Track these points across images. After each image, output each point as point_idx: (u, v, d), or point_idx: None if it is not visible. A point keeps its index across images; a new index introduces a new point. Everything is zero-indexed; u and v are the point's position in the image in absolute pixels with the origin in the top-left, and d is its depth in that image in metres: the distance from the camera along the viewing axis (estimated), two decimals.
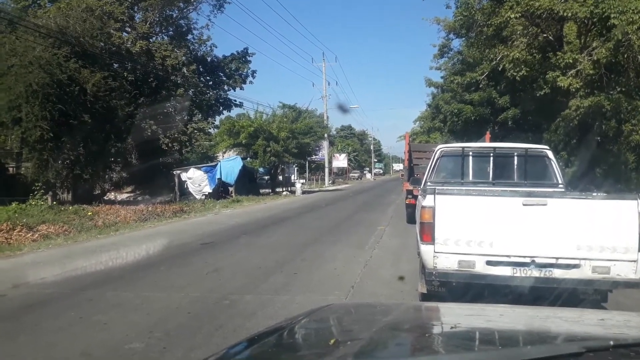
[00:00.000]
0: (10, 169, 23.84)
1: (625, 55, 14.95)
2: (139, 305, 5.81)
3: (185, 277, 7.42)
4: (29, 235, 11.31)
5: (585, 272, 4.39)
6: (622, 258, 4.32)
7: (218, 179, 25.71)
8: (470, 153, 7.44)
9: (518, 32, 16.48)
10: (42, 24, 18.49)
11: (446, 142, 17.55)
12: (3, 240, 10.63)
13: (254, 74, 33.22)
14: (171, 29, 27.38)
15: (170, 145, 26.00)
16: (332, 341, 1.52)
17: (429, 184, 6.87)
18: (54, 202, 16.94)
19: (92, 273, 7.72)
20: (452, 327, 1.76)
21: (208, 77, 31.28)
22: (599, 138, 18.52)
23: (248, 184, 28.56)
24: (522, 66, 16.28)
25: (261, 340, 1.62)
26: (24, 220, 12.27)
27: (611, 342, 1.35)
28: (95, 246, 10.51)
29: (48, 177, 17.21)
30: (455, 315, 2.05)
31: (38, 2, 23.67)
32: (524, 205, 4.53)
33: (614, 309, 4.59)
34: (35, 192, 15.70)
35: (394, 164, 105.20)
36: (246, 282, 7.05)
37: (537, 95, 17.28)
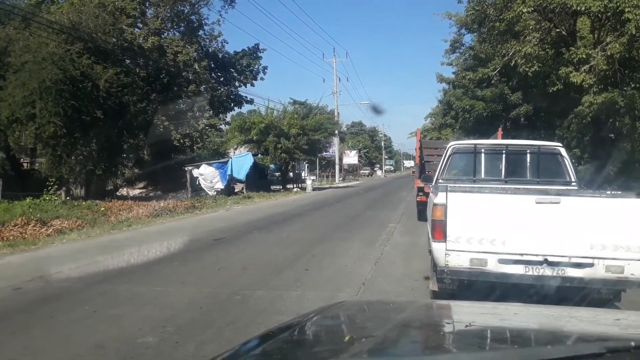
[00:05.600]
0: (25, 165, 24.15)
1: None
2: (152, 300, 5.87)
3: (197, 272, 7.48)
4: (43, 230, 11.47)
5: (598, 272, 4.35)
6: (637, 257, 4.28)
7: (229, 175, 25.81)
8: (483, 150, 7.37)
9: (530, 27, 16.28)
10: (55, 20, 18.68)
11: (458, 139, 17.44)
12: (18, 235, 10.80)
13: (265, 70, 33.39)
14: (182, 25, 27.51)
15: (182, 141, 26.16)
16: (347, 338, 1.52)
17: (440, 181, 6.83)
18: (68, 198, 17.15)
19: (106, 268, 7.79)
20: (466, 326, 1.76)
21: (219, 73, 31.42)
22: (612, 135, 18.30)
23: (259, 180, 28.63)
24: (535, 62, 16.08)
25: (274, 337, 1.62)
26: (38, 215, 12.44)
27: (632, 343, 1.33)
28: (108, 241, 10.63)
29: (62, 173, 17.42)
30: (469, 314, 2.04)
31: None
32: (537, 203, 4.50)
33: (628, 309, 4.54)
34: (49, 188, 15.89)
35: (404, 161, 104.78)
36: (257, 277, 7.08)
37: (550, 91, 17.07)
